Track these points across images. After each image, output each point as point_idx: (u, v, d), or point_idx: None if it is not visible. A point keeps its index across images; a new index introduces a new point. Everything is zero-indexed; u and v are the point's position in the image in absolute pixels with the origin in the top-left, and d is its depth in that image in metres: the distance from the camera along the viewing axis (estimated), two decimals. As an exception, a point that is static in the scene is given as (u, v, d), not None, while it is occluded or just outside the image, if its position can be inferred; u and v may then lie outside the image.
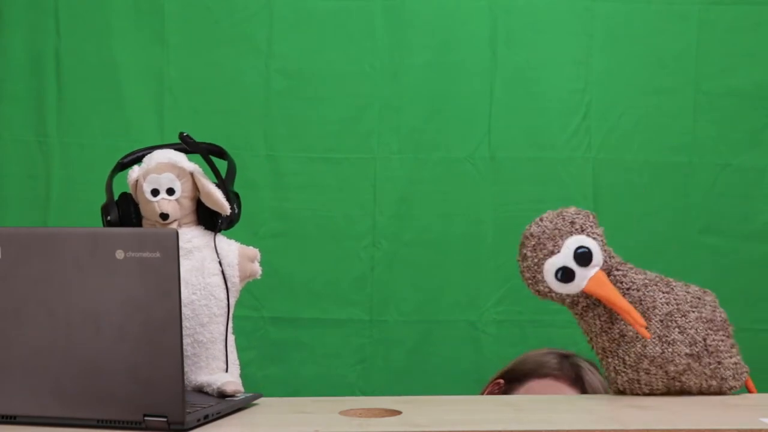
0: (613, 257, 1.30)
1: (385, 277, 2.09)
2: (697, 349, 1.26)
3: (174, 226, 1.28)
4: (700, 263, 2.06)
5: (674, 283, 1.30)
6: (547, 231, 1.30)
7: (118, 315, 1.03)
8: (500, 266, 2.08)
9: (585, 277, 1.28)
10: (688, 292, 1.30)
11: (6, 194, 2.08)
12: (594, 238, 1.29)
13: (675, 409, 1.19)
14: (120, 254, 1.03)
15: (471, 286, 2.08)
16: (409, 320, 2.08)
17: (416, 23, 2.10)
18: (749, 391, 1.30)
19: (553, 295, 1.31)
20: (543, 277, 1.30)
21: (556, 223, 1.31)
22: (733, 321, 2.13)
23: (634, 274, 1.30)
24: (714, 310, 1.30)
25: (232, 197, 1.30)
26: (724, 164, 2.08)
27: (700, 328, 1.27)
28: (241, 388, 1.23)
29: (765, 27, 2.10)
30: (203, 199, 1.29)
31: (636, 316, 1.25)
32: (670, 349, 1.26)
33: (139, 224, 1.30)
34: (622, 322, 1.27)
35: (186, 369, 1.23)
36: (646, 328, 1.25)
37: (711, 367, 1.27)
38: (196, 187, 1.29)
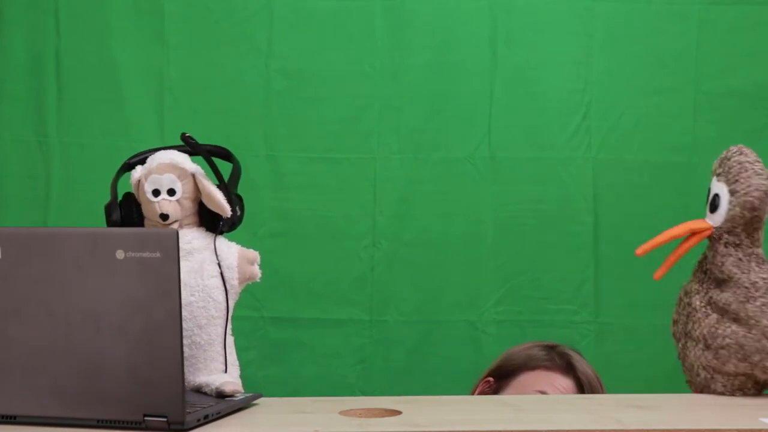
0: (750, 241, 1.27)
1: (385, 277, 2.09)
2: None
3: (174, 226, 1.28)
4: (700, 263, 2.06)
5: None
6: (749, 160, 1.28)
7: (118, 315, 1.03)
8: (500, 266, 2.08)
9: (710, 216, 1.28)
10: None
11: (6, 194, 2.08)
12: (743, 201, 1.26)
13: (675, 410, 1.19)
14: (120, 254, 1.03)
15: (471, 286, 2.08)
16: (409, 320, 2.08)
17: (416, 23, 2.10)
18: None
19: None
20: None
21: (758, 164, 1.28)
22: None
23: (742, 263, 1.27)
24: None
25: (234, 199, 1.30)
26: (724, 164, 2.08)
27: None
28: (240, 388, 1.23)
29: (765, 27, 2.10)
30: (204, 201, 1.29)
31: (657, 241, 1.25)
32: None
33: (141, 224, 1.29)
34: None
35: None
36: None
37: None
38: (197, 188, 1.29)
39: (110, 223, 1.29)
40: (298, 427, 1.11)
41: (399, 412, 1.15)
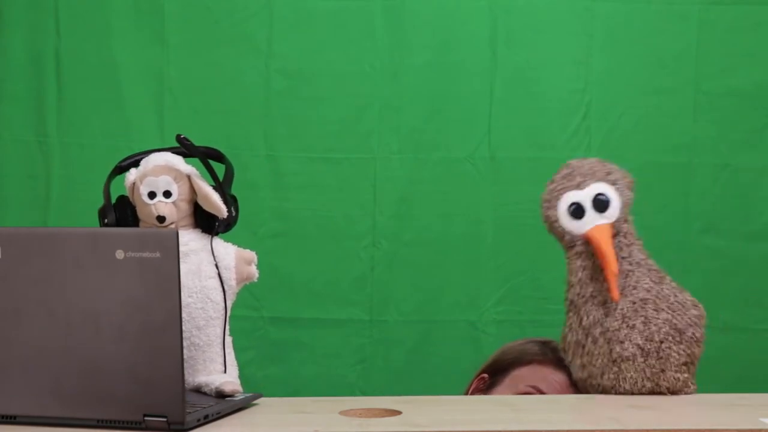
0: (629, 225, 1.30)
1: (385, 277, 2.09)
2: (649, 347, 1.26)
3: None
4: (700, 263, 2.06)
5: (668, 281, 1.30)
6: (584, 168, 1.31)
7: (118, 315, 1.03)
8: (500, 266, 2.08)
9: (592, 222, 1.29)
10: (675, 295, 1.29)
11: (6, 194, 2.08)
12: (620, 195, 1.29)
13: (675, 410, 1.19)
14: (120, 254, 1.03)
15: (471, 286, 2.09)
16: (409, 320, 2.08)
17: (416, 23, 2.10)
18: None
19: (557, 225, 1.31)
20: (557, 205, 1.31)
21: (594, 166, 1.32)
22: (733, 321, 2.13)
23: (637, 251, 1.30)
24: (691, 325, 1.28)
25: (230, 200, 1.30)
26: (724, 164, 2.08)
27: (664, 330, 1.26)
28: (240, 388, 1.23)
29: (765, 27, 2.10)
30: (200, 202, 1.28)
31: (614, 269, 1.26)
32: (625, 331, 1.26)
33: (136, 227, 1.29)
34: (600, 286, 1.27)
35: (184, 370, 1.22)
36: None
37: (653, 370, 1.26)
38: (193, 190, 1.29)
39: (105, 226, 1.28)
40: (298, 427, 1.11)
41: (399, 412, 1.15)
